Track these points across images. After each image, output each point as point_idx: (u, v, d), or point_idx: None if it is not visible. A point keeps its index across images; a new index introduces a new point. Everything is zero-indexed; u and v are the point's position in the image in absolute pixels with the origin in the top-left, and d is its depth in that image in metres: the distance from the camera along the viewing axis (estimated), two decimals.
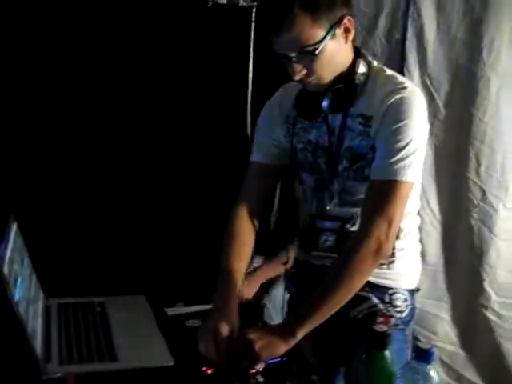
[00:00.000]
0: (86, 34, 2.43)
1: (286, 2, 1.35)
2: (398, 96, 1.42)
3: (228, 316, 1.41)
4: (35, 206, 2.29)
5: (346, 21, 1.39)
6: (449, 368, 2.34)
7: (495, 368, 2.25)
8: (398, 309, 1.56)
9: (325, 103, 1.47)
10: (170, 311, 1.67)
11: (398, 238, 1.53)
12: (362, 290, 1.50)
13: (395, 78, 1.48)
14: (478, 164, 2.10)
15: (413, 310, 1.60)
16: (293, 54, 1.38)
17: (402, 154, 1.40)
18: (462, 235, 2.16)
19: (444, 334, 2.35)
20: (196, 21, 2.62)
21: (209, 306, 1.54)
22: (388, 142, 1.42)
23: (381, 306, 1.54)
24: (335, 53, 1.42)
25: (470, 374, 2.31)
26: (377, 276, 1.54)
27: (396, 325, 1.54)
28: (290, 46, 1.37)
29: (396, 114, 1.41)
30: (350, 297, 1.40)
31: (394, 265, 1.55)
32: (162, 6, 2.50)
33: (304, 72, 1.41)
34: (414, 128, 1.42)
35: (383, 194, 1.42)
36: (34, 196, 2.32)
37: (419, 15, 2.25)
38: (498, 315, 2.21)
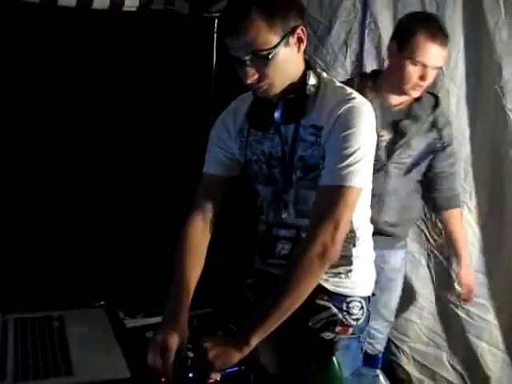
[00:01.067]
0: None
1: (243, 6, 1.39)
2: (346, 105, 1.45)
3: (177, 328, 1.40)
4: None
5: (299, 30, 1.44)
6: (422, 366, 2.40)
7: (467, 363, 2.31)
8: (355, 316, 1.57)
9: (277, 114, 1.49)
10: (130, 323, 1.67)
11: (354, 245, 1.57)
12: (320, 298, 1.55)
13: (344, 89, 1.52)
14: None
15: (368, 316, 1.61)
16: (246, 57, 1.40)
17: (350, 160, 1.43)
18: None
19: (415, 336, 2.43)
20: (158, 32, 2.63)
21: None
22: (336, 149, 1.45)
23: (339, 316, 1.55)
24: (288, 60, 1.45)
25: (443, 370, 2.37)
26: (335, 284, 1.56)
27: (353, 333, 1.55)
28: (244, 49, 1.40)
29: (345, 122, 1.44)
30: (300, 301, 1.40)
31: (352, 273, 1.57)
32: (126, 16, 2.51)
33: (256, 76, 1.43)
34: (361, 136, 1.45)
35: (330, 198, 1.44)
36: None
37: (376, 25, 2.29)
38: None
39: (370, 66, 2.29)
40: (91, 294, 1.81)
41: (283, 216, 1.60)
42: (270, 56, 1.40)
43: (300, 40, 1.45)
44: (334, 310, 1.55)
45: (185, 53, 2.72)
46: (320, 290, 1.53)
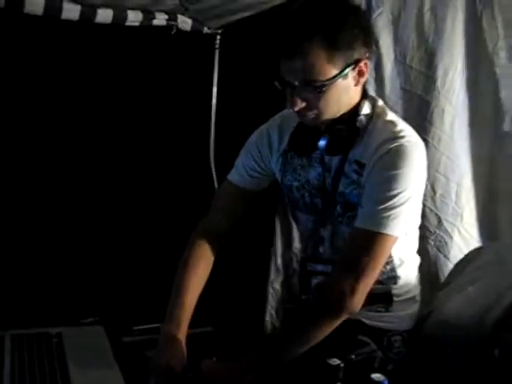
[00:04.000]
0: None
1: (306, 29, 1.30)
2: (393, 144, 1.35)
3: (177, 349, 1.40)
4: None
5: (362, 64, 1.35)
6: None
7: None
8: (396, 350, 1.52)
9: (322, 142, 1.41)
10: (128, 339, 1.66)
11: (395, 283, 1.51)
12: (360, 333, 1.49)
13: (395, 125, 1.41)
14: (434, 192, 2.14)
15: (410, 348, 1.56)
16: (298, 84, 1.33)
17: (389, 204, 1.33)
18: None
19: None
20: (160, 47, 2.64)
21: None
22: (376, 191, 1.35)
23: (379, 353, 1.50)
24: (342, 94, 1.36)
25: None
26: (374, 319, 1.51)
27: (390, 370, 1.49)
28: (297, 74, 1.32)
29: (389, 162, 1.34)
30: (304, 349, 1.34)
31: (392, 308, 1.52)
32: (127, 32, 2.52)
33: (304, 105, 1.35)
34: (406, 180, 1.34)
35: (359, 244, 1.35)
36: None
37: (377, 46, 2.30)
38: None
39: (370, 86, 2.30)
40: (88, 311, 1.81)
41: (320, 250, 1.53)
42: (324, 88, 1.31)
43: (360, 73, 1.36)
44: (374, 346, 1.50)
45: (186, 69, 2.73)
46: (359, 326, 1.49)
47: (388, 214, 1.32)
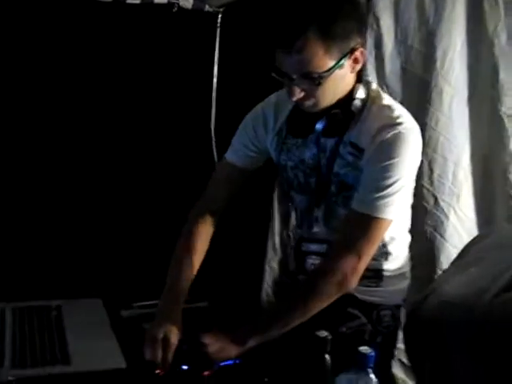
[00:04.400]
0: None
1: (301, 21, 1.30)
2: (392, 132, 1.39)
3: (174, 322, 1.43)
4: None
5: (357, 52, 1.37)
6: (406, 367, 2.42)
7: None
8: (385, 324, 1.58)
9: (319, 126, 1.44)
10: (127, 313, 1.69)
11: (386, 259, 1.56)
12: (350, 306, 1.54)
13: (391, 109, 1.44)
14: (431, 171, 2.16)
15: (400, 322, 1.61)
16: (295, 76, 1.35)
17: (388, 191, 1.38)
18: (415, 241, 2.22)
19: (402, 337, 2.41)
20: (161, 26, 2.64)
21: None
22: (374, 177, 1.40)
23: (369, 326, 1.56)
24: (339, 82, 1.39)
25: None
26: (364, 293, 1.55)
27: (379, 342, 1.55)
28: (295, 67, 1.34)
29: (388, 150, 1.38)
30: (304, 319, 1.39)
31: (382, 283, 1.57)
32: (128, 11, 2.52)
33: (302, 95, 1.38)
34: (403, 167, 1.39)
35: (359, 227, 1.40)
36: None
37: (378, 25, 2.30)
38: None
39: (370, 65, 2.31)
40: (88, 285, 1.84)
41: (314, 230, 1.57)
42: (321, 80, 1.33)
43: (356, 61, 1.38)
44: (364, 319, 1.56)
45: (187, 47, 2.73)
46: (350, 299, 1.53)
47: (385, 200, 1.38)
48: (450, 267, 1.72)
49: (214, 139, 2.92)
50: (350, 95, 1.43)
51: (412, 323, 1.55)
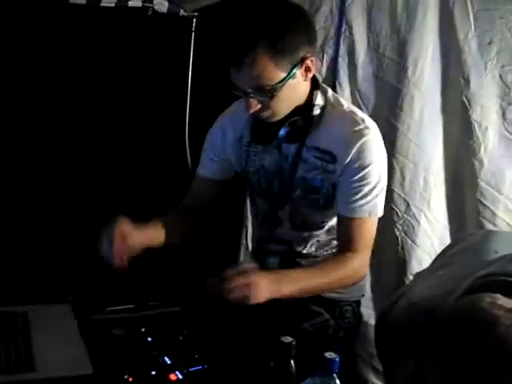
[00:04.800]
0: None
1: (250, 38, 1.34)
2: (363, 140, 1.46)
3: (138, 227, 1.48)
4: None
5: (308, 61, 1.41)
6: (378, 371, 2.43)
7: None
8: (347, 320, 1.66)
9: (282, 132, 1.48)
10: (96, 318, 1.68)
11: None
12: (313, 303, 1.61)
13: (354, 114, 1.51)
14: (403, 178, 2.18)
15: (360, 317, 1.72)
16: (249, 90, 1.38)
17: (373, 194, 1.49)
18: (387, 246, 2.24)
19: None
20: (136, 29, 2.63)
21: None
22: (357, 185, 1.49)
23: (332, 321, 1.62)
24: (292, 91, 1.43)
25: None
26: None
27: (341, 337, 1.63)
28: (247, 82, 1.38)
29: (363, 157, 1.47)
30: (327, 289, 1.53)
31: None
32: (103, 14, 2.50)
33: (258, 107, 1.42)
34: (379, 169, 1.49)
35: (355, 230, 1.51)
36: None
37: (351, 33, 2.32)
38: None
39: (343, 72, 2.33)
40: (57, 290, 1.82)
41: (277, 231, 1.63)
42: (274, 93, 1.37)
43: (308, 69, 1.42)
44: (327, 316, 1.62)
45: (162, 51, 2.73)
46: (312, 297, 1.58)
47: (372, 202, 1.49)
48: (422, 271, 1.75)
49: (187, 142, 2.90)
50: (309, 102, 1.48)
51: (382, 327, 1.57)
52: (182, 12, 2.77)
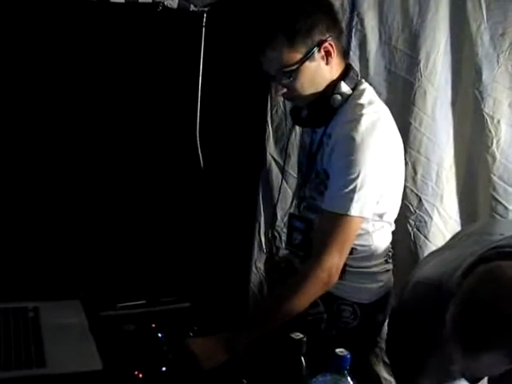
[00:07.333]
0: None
1: (267, 24, 1.47)
2: (352, 125, 1.47)
3: None
4: None
5: (326, 44, 1.48)
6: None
7: None
8: (344, 320, 1.61)
9: (303, 115, 1.61)
10: (107, 314, 1.68)
11: (351, 253, 1.57)
12: None
13: (362, 107, 1.50)
14: (415, 172, 2.16)
15: (365, 323, 1.63)
16: (274, 73, 1.50)
17: (352, 187, 1.44)
18: (399, 241, 2.22)
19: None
20: (146, 25, 2.63)
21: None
22: (338, 173, 1.48)
23: (325, 315, 1.60)
24: (314, 74, 1.51)
25: None
26: None
27: (333, 336, 1.60)
28: (270, 65, 1.49)
29: (348, 146, 1.46)
30: (291, 317, 1.44)
31: (345, 277, 1.58)
32: (113, 10, 2.50)
33: (284, 90, 1.52)
34: (363, 163, 1.44)
35: (332, 226, 1.47)
36: None
37: (362, 26, 2.30)
38: None
39: (355, 65, 2.29)
40: (69, 286, 1.82)
41: (301, 207, 1.69)
42: (293, 74, 1.47)
43: (328, 53, 1.49)
44: (322, 308, 1.60)
45: (172, 47, 2.72)
46: None
47: (351, 196, 1.44)
48: (426, 256, 1.76)
49: (198, 138, 2.89)
50: (332, 90, 1.53)
51: (395, 308, 1.57)
52: (192, 7, 2.76)
